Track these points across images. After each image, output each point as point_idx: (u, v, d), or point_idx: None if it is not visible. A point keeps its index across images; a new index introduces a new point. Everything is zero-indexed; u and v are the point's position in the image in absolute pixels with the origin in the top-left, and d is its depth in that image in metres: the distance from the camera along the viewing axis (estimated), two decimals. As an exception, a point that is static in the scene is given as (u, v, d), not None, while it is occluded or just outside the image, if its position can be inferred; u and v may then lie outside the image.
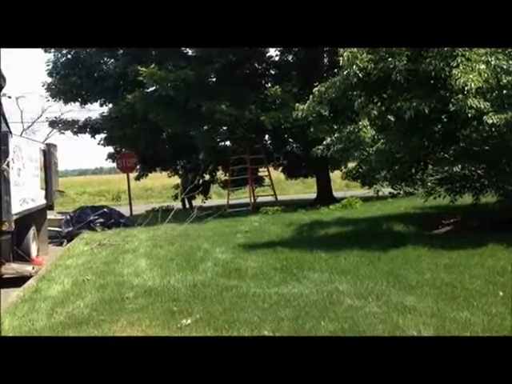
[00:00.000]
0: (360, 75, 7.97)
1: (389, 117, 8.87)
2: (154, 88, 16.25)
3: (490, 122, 7.22)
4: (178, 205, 17.14)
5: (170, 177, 21.92)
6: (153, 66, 15.20)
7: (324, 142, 10.47)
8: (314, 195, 19.40)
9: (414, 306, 4.92)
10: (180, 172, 20.94)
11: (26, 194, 8.68)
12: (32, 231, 9.49)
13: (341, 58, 8.21)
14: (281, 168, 20.78)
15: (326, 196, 17.65)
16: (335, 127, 9.80)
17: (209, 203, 19.49)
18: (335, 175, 20.97)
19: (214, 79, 17.48)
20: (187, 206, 18.81)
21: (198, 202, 19.31)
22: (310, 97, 9.09)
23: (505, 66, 7.53)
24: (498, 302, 4.87)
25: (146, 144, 18.18)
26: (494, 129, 7.60)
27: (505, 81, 7.62)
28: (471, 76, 7.24)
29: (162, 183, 29.45)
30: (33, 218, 9.55)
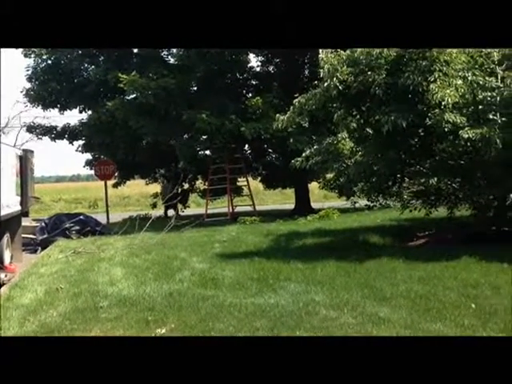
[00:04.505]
0: (340, 88, 8.06)
1: (367, 129, 9.00)
2: (134, 95, 16.13)
3: (466, 136, 7.36)
4: (156, 213, 17.02)
5: (147, 184, 21.77)
6: (134, 73, 15.16)
7: (303, 154, 10.54)
8: (292, 206, 19.47)
9: (388, 317, 4.96)
10: (159, 180, 20.82)
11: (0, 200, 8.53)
12: (6, 238, 9.33)
13: (321, 70, 8.30)
14: (260, 178, 20.80)
15: (304, 207, 17.71)
16: (314, 138, 9.89)
17: (187, 212, 19.40)
18: (313, 186, 21.08)
19: (195, 88, 17.49)
20: (172, 213, 18.57)
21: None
22: (291, 108, 9.15)
23: (481, 82, 7.71)
24: (470, 315, 4.94)
25: (125, 151, 18.02)
26: (469, 143, 7.75)
27: (481, 96, 7.79)
28: (448, 91, 7.38)
29: (139, 191, 29.24)
30: (7, 225, 9.37)
